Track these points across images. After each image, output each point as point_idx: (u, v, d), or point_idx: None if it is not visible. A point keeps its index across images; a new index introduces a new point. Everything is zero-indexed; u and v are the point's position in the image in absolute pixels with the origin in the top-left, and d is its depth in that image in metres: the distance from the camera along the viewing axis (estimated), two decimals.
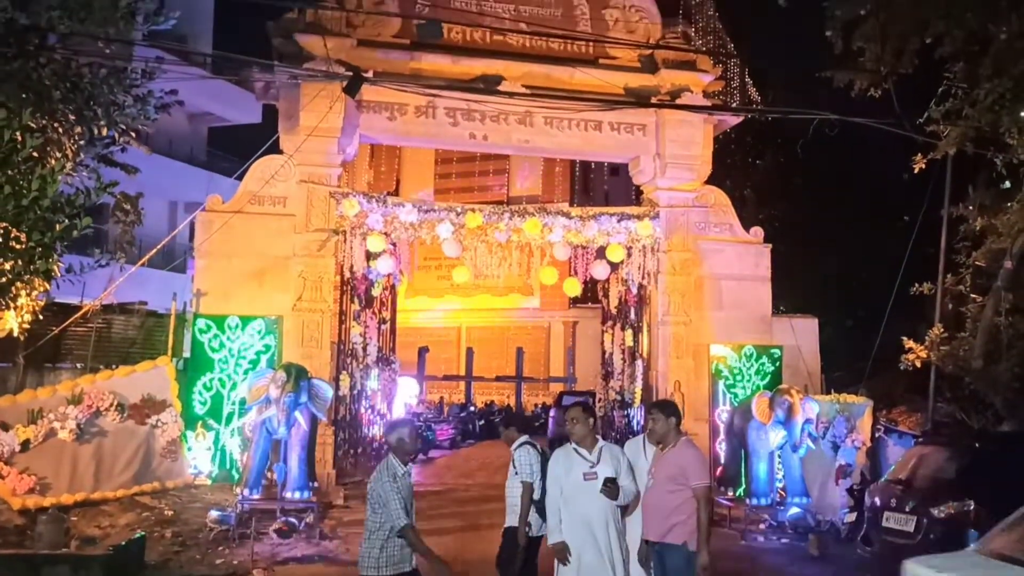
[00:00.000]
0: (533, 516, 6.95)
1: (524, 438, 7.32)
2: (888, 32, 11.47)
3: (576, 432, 6.56)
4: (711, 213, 15.55)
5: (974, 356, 13.07)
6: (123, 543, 8.81)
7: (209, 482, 12.65)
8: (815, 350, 15.71)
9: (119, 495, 11.28)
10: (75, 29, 9.31)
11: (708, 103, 15.42)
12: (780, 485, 12.89)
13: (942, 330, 13.59)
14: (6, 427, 10.69)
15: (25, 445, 10.73)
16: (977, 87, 11.32)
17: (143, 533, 9.69)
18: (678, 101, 14.82)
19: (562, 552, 6.31)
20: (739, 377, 15.10)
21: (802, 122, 13.56)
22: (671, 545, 6.14)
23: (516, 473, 7.11)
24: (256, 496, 11.37)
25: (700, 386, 14.98)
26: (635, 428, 15.13)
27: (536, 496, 6.95)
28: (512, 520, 7.03)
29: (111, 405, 11.49)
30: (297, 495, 11.46)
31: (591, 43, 15.21)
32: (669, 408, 6.54)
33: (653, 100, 14.89)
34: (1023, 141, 11.39)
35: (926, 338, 13.72)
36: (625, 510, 6.50)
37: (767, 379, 15.00)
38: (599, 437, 6.68)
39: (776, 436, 12.53)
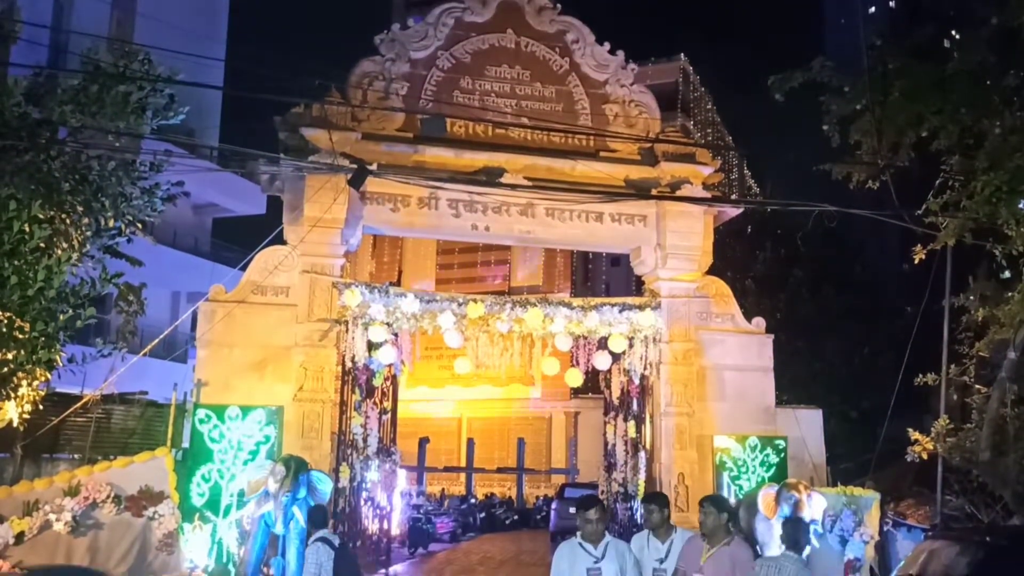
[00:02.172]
0: None
1: (320, 533, 7.27)
2: (884, 127, 11.72)
3: (588, 528, 6.42)
4: (712, 303, 15.59)
5: (981, 448, 12.94)
6: None
7: None
8: (820, 442, 15.54)
9: None
10: (86, 123, 9.53)
11: (708, 195, 15.64)
12: None
13: (948, 421, 13.50)
14: (1, 519, 10.53)
15: (19, 538, 10.55)
16: (974, 180, 11.50)
17: None
18: (678, 193, 15.02)
19: None
20: (743, 469, 14.90)
21: (802, 214, 13.76)
22: None
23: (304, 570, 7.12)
24: None
25: (704, 478, 14.77)
26: (638, 521, 14.86)
27: None
28: None
29: (108, 497, 11.32)
30: None
31: (592, 136, 15.51)
32: (721, 503, 6.61)
33: (653, 192, 15.10)
34: (1021, 232, 11.51)
35: (932, 430, 13.61)
36: None
37: (772, 471, 14.79)
38: (606, 532, 6.59)
39: (781, 532, 12.31)
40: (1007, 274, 13.67)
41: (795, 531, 7.05)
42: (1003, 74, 10.95)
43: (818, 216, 12.74)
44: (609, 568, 6.26)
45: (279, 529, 11.20)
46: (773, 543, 12.40)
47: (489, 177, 14.64)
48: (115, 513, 11.43)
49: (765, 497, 12.56)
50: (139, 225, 10.86)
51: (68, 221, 9.51)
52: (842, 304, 21.95)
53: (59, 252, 9.17)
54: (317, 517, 7.57)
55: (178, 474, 12.32)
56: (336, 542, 7.26)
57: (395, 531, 18.78)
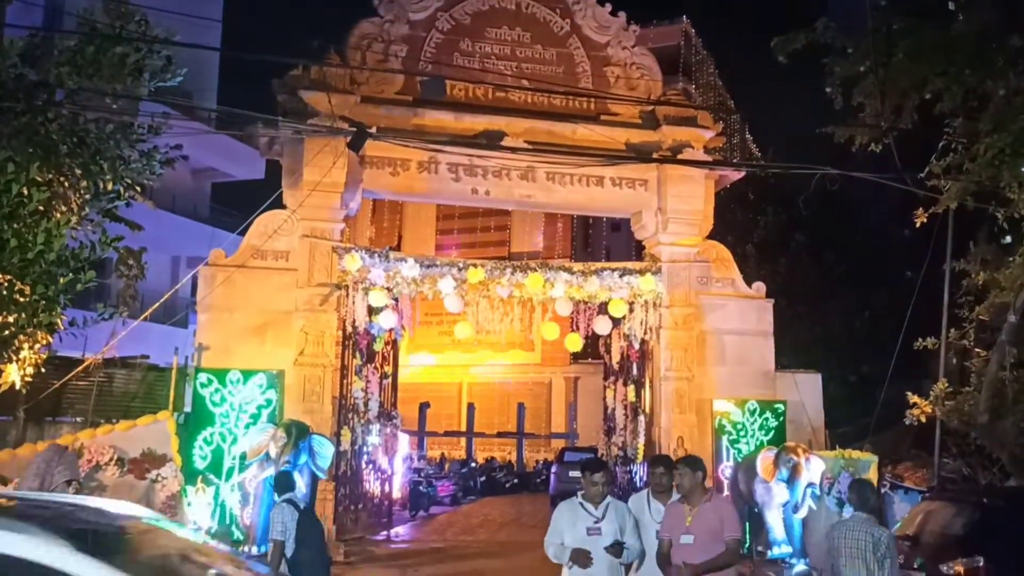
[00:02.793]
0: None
1: (286, 496, 7.44)
2: (887, 88, 11.62)
3: (593, 491, 6.43)
4: (713, 268, 15.60)
5: (979, 411, 13.00)
6: None
7: (208, 538, 12.46)
8: (819, 405, 15.63)
9: None
10: (83, 85, 9.46)
11: (709, 159, 15.59)
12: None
13: (947, 385, 13.55)
14: (5, 481, 10.60)
15: None
16: (977, 142, 11.43)
17: None
18: (679, 157, 14.96)
19: (583, 556, 6.17)
20: (743, 433, 14.99)
21: (803, 178, 13.69)
22: None
23: (270, 533, 7.27)
24: (262, 553, 11.23)
25: (703, 442, 14.86)
26: (638, 484, 14.97)
27: (288, 554, 7.07)
28: None
29: (111, 459, 11.42)
30: None
31: (593, 99, 15.41)
32: (695, 463, 6.59)
33: (655, 156, 15.03)
34: None
35: (931, 393, 13.67)
36: (629, 567, 6.43)
37: (771, 434, 14.89)
38: (607, 494, 6.62)
39: (780, 492, 12.43)
40: (1008, 239, 13.65)
41: (862, 491, 7.08)
42: (1008, 35, 10.84)
43: (820, 180, 12.69)
44: (609, 528, 6.29)
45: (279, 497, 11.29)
46: (772, 505, 12.55)
47: (489, 141, 14.57)
48: (118, 475, 11.54)
49: (764, 460, 12.68)
50: (138, 189, 10.80)
51: (66, 184, 9.47)
52: (843, 269, 21.95)
53: (58, 215, 9.15)
54: (281, 482, 7.65)
55: (180, 437, 12.43)
56: (302, 505, 7.36)
57: (396, 494, 18.96)
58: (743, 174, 16.64)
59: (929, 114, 12.05)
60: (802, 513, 12.36)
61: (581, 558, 6.16)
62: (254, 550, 11.26)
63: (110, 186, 10.26)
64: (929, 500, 9.99)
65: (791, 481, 12.38)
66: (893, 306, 15.86)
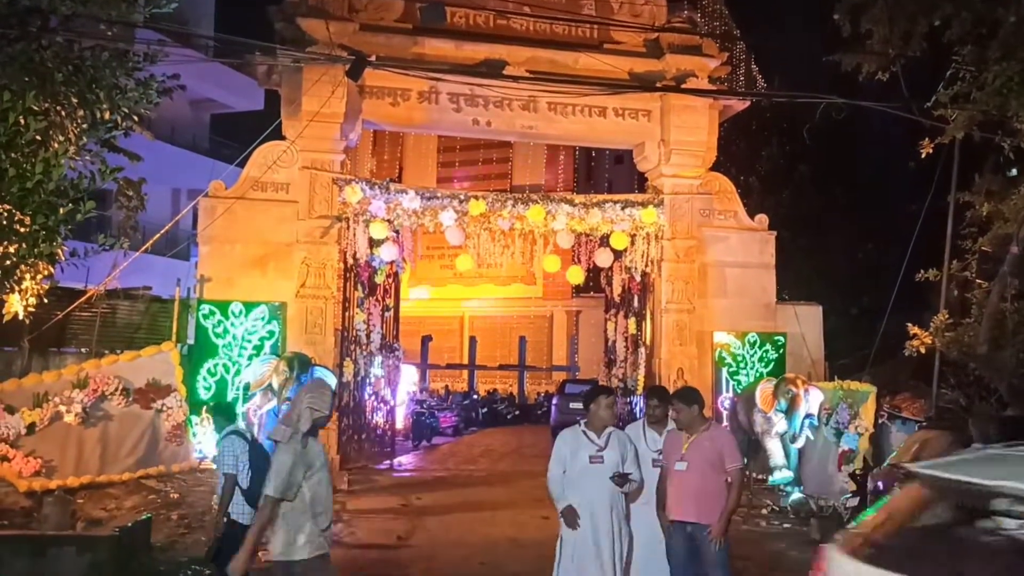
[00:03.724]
0: (245, 507, 6.85)
1: (229, 427, 7.18)
2: (896, 15, 11.42)
3: (603, 416, 6.46)
4: (715, 200, 15.57)
5: (979, 342, 13.06)
6: (129, 524, 8.87)
7: (214, 466, 12.69)
8: (819, 337, 15.75)
9: (125, 478, 11.37)
10: (77, 11, 9.30)
11: (713, 88, 15.40)
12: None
13: (947, 316, 13.58)
14: (12, 410, 10.76)
15: (31, 428, 10.81)
16: (985, 70, 11.26)
17: (149, 515, 9.76)
18: (683, 86, 14.79)
19: (571, 515, 6.29)
20: (742, 364, 15.14)
21: (808, 109, 13.54)
22: (708, 525, 6.31)
23: (218, 467, 7.00)
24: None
25: (703, 373, 15.02)
26: (638, 416, 15.13)
27: (245, 485, 6.86)
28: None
29: (116, 389, 11.54)
30: None
31: (596, 27, 15.19)
32: (690, 396, 6.65)
33: (658, 85, 14.87)
34: None
35: (931, 325, 13.72)
36: (628, 496, 6.52)
37: (771, 366, 15.03)
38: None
39: (780, 422, 12.57)
40: (1014, 171, 13.56)
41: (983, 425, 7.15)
42: None
43: (825, 110, 12.54)
44: (611, 456, 6.36)
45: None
46: (771, 433, 12.71)
47: (490, 70, 14.40)
48: (124, 405, 11.67)
49: (763, 391, 12.79)
50: (135, 118, 10.68)
51: (63, 113, 9.35)
52: (846, 201, 21.84)
53: (55, 145, 9.06)
54: (224, 412, 7.47)
55: (184, 368, 12.55)
56: (248, 435, 7.23)
57: (399, 425, 19.20)
58: (748, 104, 16.45)
59: (937, 42, 11.85)
60: (799, 443, 12.52)
61: (569, 518, 6.25)
62: None
63: (107, 116, 10.14)
64: (925, 429, 10.10)
65: (790, 412, 12.50)
66: (896, 238, 15.82)
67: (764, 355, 15.18)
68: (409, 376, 22.60)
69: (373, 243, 14.70)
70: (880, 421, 12.69)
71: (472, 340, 33.21)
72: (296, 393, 11.29)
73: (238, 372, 13.22)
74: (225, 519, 6.88)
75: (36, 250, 8.71)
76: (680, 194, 15.31)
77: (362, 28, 14.05)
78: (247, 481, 6.86)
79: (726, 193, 15.69)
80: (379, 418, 15.95)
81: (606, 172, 33.87)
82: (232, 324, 13.40)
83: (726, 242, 15.52)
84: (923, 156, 12.89)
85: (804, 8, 14.22)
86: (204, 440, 12.75)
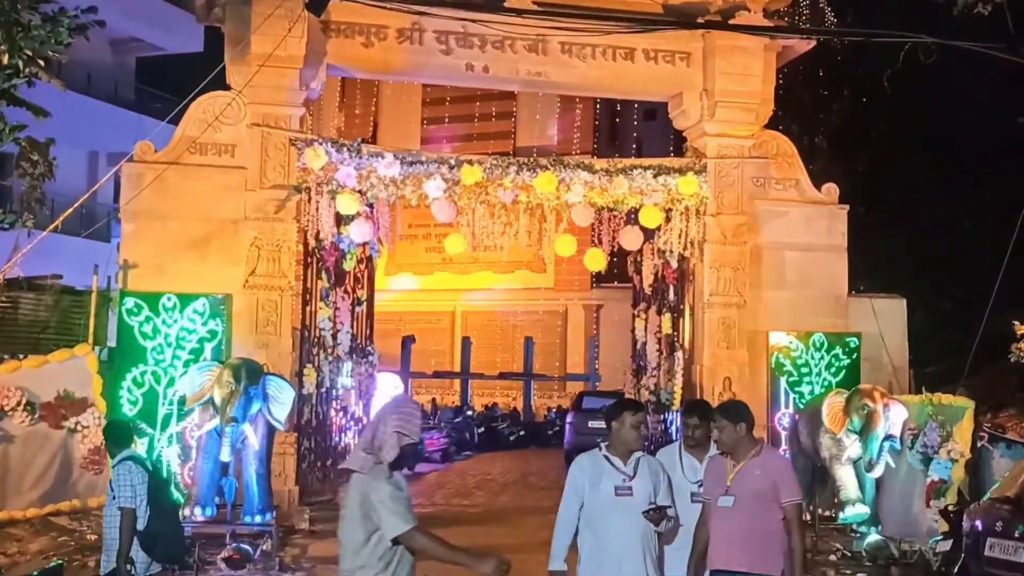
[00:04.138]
0: (139, 553, 6.91)
1: (125, 452, 7.20)
2: None
3: (626, 438, 6.46)
4: (772, 166, 15.54)
5: None
6: (35, 574, 8.88)
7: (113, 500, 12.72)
8: (902, 339, 15.73)
9: (30, 515, 11.39)
10: None
11: (770, 24, 15.36)
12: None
13: None
14: None
15: None
16: None
17: (60, 561, 9.77)
18: (731, 22, 14.75)
19: None
20: (806, 373, 15.11)
21: (890, 51, 13.50)
22: None
23: (114, 498, 7.02)
24: (205, 517, 11.45)
25: (756, 384, 15.02)
26: (674, 437, 15.16)
27: (141, 525, 6.92)
28: (110, 560, 6.99)
29: (19, 404, 11.55)
30: (258, 518, 11.57)
31: None
32: (735, 411, 6.54)
33: (700, 20, 14.84)
34: None
35: None
36: (662, 538, 6.48)
37: (841, 375, 15.01)
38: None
39: (852, 446, 12.55)
40: None
41: None
42: None
43: (911, 52, 12.50)
44: (641, 487, 6.24)
45: (225, 457, 11.44)
46: (842, 460, 12.66)
47: (489, 2, 14.37)
48: (28, 424, 11.69)
49: (831, 407, 12.76)
50: (41, 64, 10.71)
51: None
52: (938, 167, 21.77)
53: None
54: (118, 434, 7.49)
55: (104, 377, 12.55)
56: (148, 464, 7.25)
57: None
58: (813, 44, 16.39)
59: None
60: (877, 471, 12.47)
61: None
62: (197, 513, 11.44)
63: (6, 59, 10.16)
64: None
65: (865, 433, 12.46)
66: (1000, 214, 15.75)
67: (833, 361, 15.15)
68: (387, 387, 22.63)
69: (341, 220, 14.69)
70: (979, 444, 12.67)
71: (466, 342, 33.24)
72: (243, 411, 11.39)
73: (171, 382, 13.21)
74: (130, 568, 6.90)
75: None
76: (728, 158, 15.28)
77: None
78: (145, 520, 6.88)
79: (786, 157, 15.65)
80: (349, 439, 15.96)
81: (634, 130, 33.82)
82: (164, 322, 13.39)
83: (785, 218, 15.50)
84: None
85: None
86: None
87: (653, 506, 6.17)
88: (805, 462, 13.39)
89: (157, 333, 13.37)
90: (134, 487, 6.92)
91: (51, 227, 13.84)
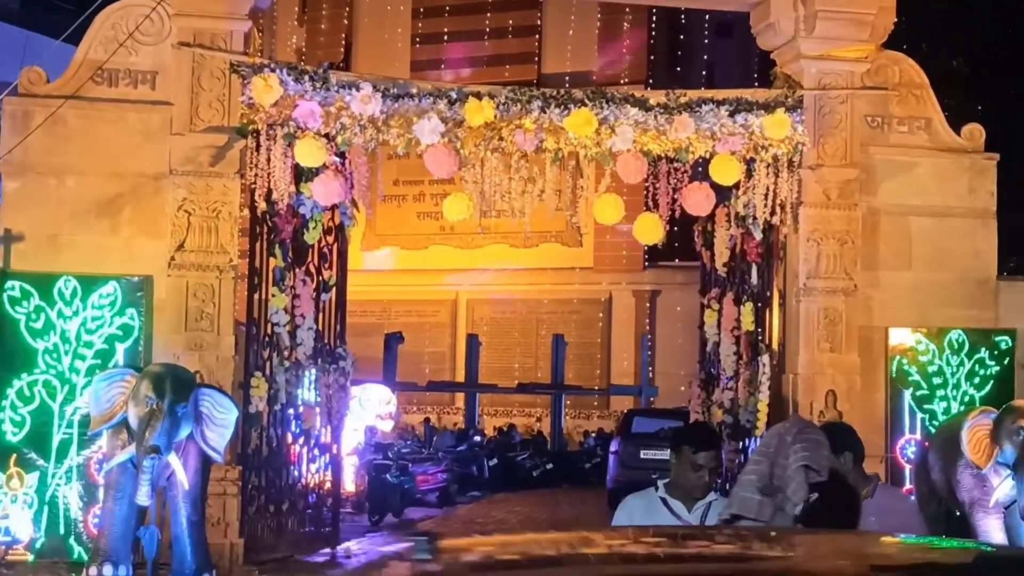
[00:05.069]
0: None
1: None
2: None
3: (691, 480, 6.45)
4: (894, 100, 15.47)
5: None
6: None
7: (30, 557, 12.76)
8: None
9: None
10: None
11: None
12: None
13: None
14: None
15: None
16: None
17: None
18: None
19: None
20: (939, 384, 15.06)
21: None
22: None
23: None
24: None
25: (870, 400, 15.00)
26: None
27: None
28: None
29: None
30: None
31: None
32: (840, 438, 6.57)
33: None
34: None
35: None
36: None
37: (988, 388, 14.98)
38: (710, 487, 6.64)
39: (1002, 485, 12.48)
40: None
41: None
42: None
43: None
44: None
45: (142, 499, 11.35)
46: (987, 505, 12.60)
47: None
48: None
49: (974, 431, 12.69)
50: None
51: None
52: None
53: None
54: None
55: None
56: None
57: (348, 487, 19.21)
58: None
59: None
60: None
61: None
62: (107, 572, 11.42)
63: None
64: None
65: (1021, 468, 12.42)
66: None
67: (977, 368, 15.11)
68: (370, 403, 22.66)
69: (301, 175, 14.68)
70: None
71: (472, 342, 33.25)
72: (166, 436, 11.37)
73: (71, 396, 13.24)
74: None
75: None
76: (833, 89, 15.20)
77: None
78: None
79: (912, 88, 15.57)
80: (312, 477, 15.97)
81: (703, 53, 33.77)
82: (60, 314, 13.42)
83: (912, 172, 15.44)
84: None
85: None
86: (12, 513, 12.81)
87: None
88: (937, 507, 13.35)
89: (51, 329, 13.40)
90: None
91: None
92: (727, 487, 11.88)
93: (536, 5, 31.40)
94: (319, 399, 15.85)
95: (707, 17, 29.29)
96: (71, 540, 13.04)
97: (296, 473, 15.68)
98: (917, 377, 15.09)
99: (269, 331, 14.86)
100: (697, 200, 15.58)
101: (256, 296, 14.73)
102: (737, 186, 15.41)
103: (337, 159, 14.81)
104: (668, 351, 31.91)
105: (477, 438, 29.96)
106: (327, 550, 16.14)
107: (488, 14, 32.75)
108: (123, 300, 13.61)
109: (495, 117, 14.70)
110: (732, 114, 15.10)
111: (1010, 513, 12.57)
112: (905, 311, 15.27)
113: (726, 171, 15.19)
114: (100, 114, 13.95)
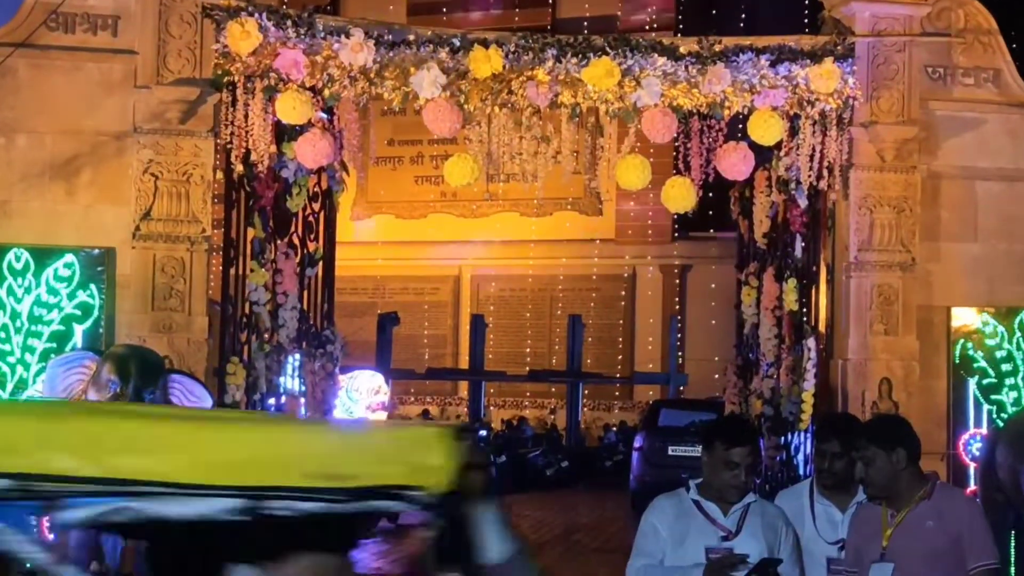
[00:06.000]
0: None
1: None
2: None
3: (726, 480, 6.49)
4: (958, 49, 15.44)
5: None
6: None
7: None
8: None
9: None
10: None
11: None
12: None
13: None
14: None
15: None
16: None
17: None
18: None
19: None
20: (1008, 372, 15.09)
21: None
22: None
23: None
24: None
25: (932, 388, 15.02)
26: (801, 471, 15.17)
27: None
28: None
29: None
30: None
31: None
32: (891, 433, 6.61)
33: None
34: None
35: None
36: None
37: None
38: (750, 488, 6.67)
39: None
40: None
41: None
42: None
43: None
44: (751, 547, 6.35)
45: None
46: None
47: None
48: None
49: None
50: None
51: None
52: None
53: None
54: None
55: None
56: None
57: None
58: None
59: None
60: None
61: None
62: None
63: None
64: None
65: None
66: None
67: None
68: (363, 391, 22.73)
69: (283, 134, 14.70)
70: None
71: (477, 323, 33.29)
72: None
73: (23, 384, 13.30)
74: None
75: None
76: (888, 36, 15.21)
77: None
78: None
79: (978, 34, 15.54)
80: None
81: None
82: (10, 291, 13.48)
83: (979, 130, 15.43)
84: None
85: None
86: None
87: (763, 562, 6.25)
88: (1004, 512, 13.37)
89: (0, 308, 13.44)
90: None
91: None
92: (767, 488, 11.95)
93: None
94: (303, 388, 15.91)
95: None
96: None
97: None
98: (983, 363, 15.10)
99: (247, 311, 14.90)
100: (733, 162, 15.58)
101: (232, 271, 14.76)
102: (779, 146, 15.43)
103: (324, 116, 14.85)
104: (700, 334, 32.00)
105: (483, 432, 30.05)
106: None
107: None
108: (81, 275, 13.66)
109: (503, 68, 14.71)
110: (773, 64, 15.09)
111: None
112: (970, 288, 15.28)
113: (767, 129, 15.19)
114: (54, 64, 13.98)
